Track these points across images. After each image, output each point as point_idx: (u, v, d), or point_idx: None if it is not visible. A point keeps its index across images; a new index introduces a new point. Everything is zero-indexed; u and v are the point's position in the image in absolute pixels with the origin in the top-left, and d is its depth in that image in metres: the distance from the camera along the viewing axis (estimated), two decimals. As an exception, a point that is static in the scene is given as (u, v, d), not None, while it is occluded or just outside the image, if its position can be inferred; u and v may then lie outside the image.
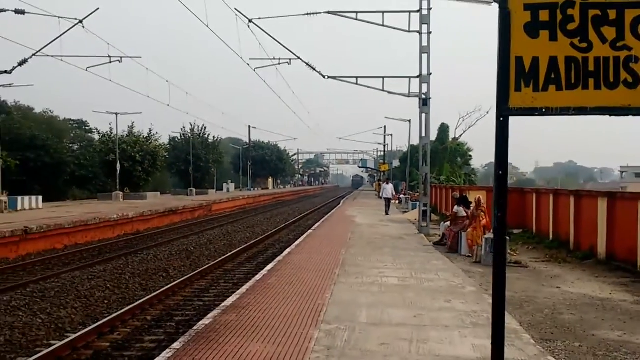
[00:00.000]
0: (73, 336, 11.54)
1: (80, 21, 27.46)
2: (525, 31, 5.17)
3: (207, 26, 26.80)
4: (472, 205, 21.03)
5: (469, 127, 72.59)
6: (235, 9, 26.35)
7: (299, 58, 29.15)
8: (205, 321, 9.63)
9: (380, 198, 50.51)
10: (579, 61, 5.13)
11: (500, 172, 5.42)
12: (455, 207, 22.88)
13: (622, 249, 18.34)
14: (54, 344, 11.27)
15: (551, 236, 24.74)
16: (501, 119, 5.28)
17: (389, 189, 42.86)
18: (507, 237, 19.70)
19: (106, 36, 32.61)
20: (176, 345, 8.25)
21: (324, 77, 28.92)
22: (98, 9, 29.11)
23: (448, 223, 22.72)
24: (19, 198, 41.33)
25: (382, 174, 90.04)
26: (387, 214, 38.97)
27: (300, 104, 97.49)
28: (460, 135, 74.88)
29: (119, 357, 10.76)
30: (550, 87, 5.16)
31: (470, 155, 77.64)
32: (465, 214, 21.35)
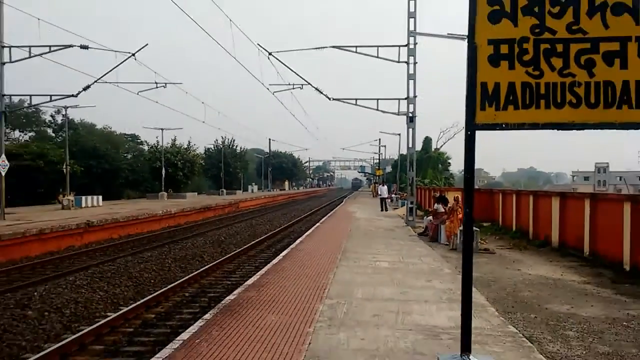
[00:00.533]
0: (125, 309, 11.56)
1: (133, 54, 27.56)
2: (489, 61, 5.19)
3: (235, 58, 27.00)
4: (452, 203, 21.18)
5: (448, 140, 73.43)
6: (258, 44, 26.50)
7: (309, 83, 29.24)
8: (231, 297, 9.66)
9: (376, 197, 50.63)
10: (533, 86, 5.15)
11: (468, 176, 5.44)
12: (435, 204, 23.12)
13: (571, 239, 18.33)
14: (110, 315, 11.30)
15: (514, 228, 24.75)
16: (469, 133, 5.30)
17: (384, 190, 42.47)
18: (477, 229, 19.85)
19: (153, 66, 32.76)
20: (207, 316, 8.28)
21: (329, 98, 28.95)
22: (147, 44, 29.24)
23: (430, 217, 22.77)
24: (83, 197, 41.48)
25: (378, 177, 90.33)
26: (382, 210, 38.86)
27: (311, 121, 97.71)
28: (441, 146, 75.49)
29: (162, 326, 10.77)
30: (509, 106, 5.18)
31: (449, 163, 77.80)
32: (443, 210, 21.52)
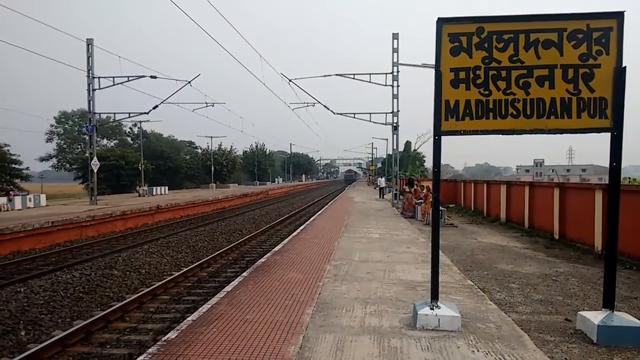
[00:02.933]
0: (185, 269, 11.65)
1: (189, 82, 27.58)
2: (450, 84, 5.18)
3: (264, 84, 26.94)
4: (426, 190, 21.34)
5: (424, 143, 72.99)
6: (281, 73, 26.46)
7: (319, 102, 29.23)
8: (263, 259, 9.70)
9: (375, 188, 50.51)
10: (483, 102, 5.14)
11: (436, 170, 5.43)
12: (405, 186, 25.59)
13: (515, 216, 18.24)
14: (174, 274, 11.39)
15: (472, 208, 24.65)
16: (436, 137, 5.30)
17: (382, 181, 40.69)
18: (444, 209, 19.88)
19: (204, 90, 32.88)
20: (245, 273, 8.33)
21: (334, 113, 28.93)
22: (199, 74, 29.24)
23: (402, 195, 23.25)
24: (154, 188, 41.75)
25: (372, 171, 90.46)
26: (380, 197, 38.25)
27: (321, 129, 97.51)
28: (418, 147, 75.02)
29: (212, 281, 10.85)
30: (466, 117, 5.18)
31: (425, 160, 77.18)
32: (408, 190, 23.11)
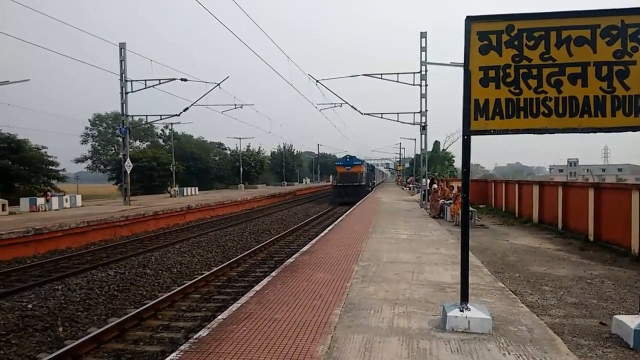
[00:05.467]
0: (215, 268, 11.83)
1: (218, 84, 27.99)
2: (480, 83, 5.12)
3: (291, 85, 26.99)
4: (454, 190, 21.09)
5: (453, 142, 72.13)
6: (309, 74, 26.43)
7: (346, 102, 29.11)
8: (291, 259, 9.76)
9: (399, 187, 50.30)
10: (514, 101, 5.06)
11: (465, 170, 5.37)
12: (430, 186, 26.04)
13: (548, 217, 17.83)
14: (204, 273, 11.59)
15: (504, 208, 24.21)
16: (465, 137, 5.25)
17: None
18: (474, 209, 19.57)
19: (233, 92, 33.34)
20: (273, 273, 8.40)
21: (361, 113, 28.77)
22: (228, 76, 29.66)
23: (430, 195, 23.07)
24: (185, 188, 42.45)
25: (399, 171, 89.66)
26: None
27: (348, 130, 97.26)
28: (447, 147, 74.19)
29: (241, 280, 10.98)
30: (496, 117, 5.11)
31: (454, 160, 76.18)
32: (434, 191, 23.06)
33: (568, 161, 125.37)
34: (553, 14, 5.07)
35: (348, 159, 40.73)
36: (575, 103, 4.97)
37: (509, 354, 4.63)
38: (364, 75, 27.01)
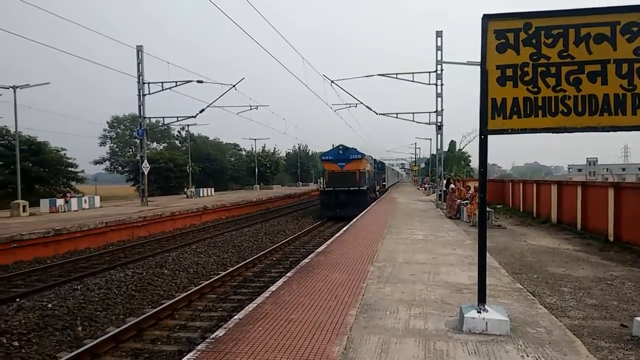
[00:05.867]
0: (231, 269, 11.90)
1: (234, 85, 28.15)
2: (497, 82, 5.06)
3: (307, 85, 27.03)
4: (471, 190, 20.91)
5: (469, 142, 71.55)
6: (323, 74, 26.42)
7: (361, 102, 29.08)
8: (306, 260, 9.74)
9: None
10: (532, 100, 4.99)
11: (482, 169, 5.32)
12: (446, 187, 26.46)
13: (567, 217, 17.60)
14: (221, 273, 11.66)
15: (521, 209, 23.97)
16: (482, 136, 5.19)
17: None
18: (492, 210, 19.38)
19: (248, 93, 33.47)
20: (289, 274, 8.40)
21: (376, 113, 28.75)
22: (243, 78, 29.84)
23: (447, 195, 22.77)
24: (201, 189, 42.80)
25: (414, 172, 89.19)
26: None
27: (363, 130, 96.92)
28: (464, 147, 73.62)
29: (257, 281, 11.03)
30: (513, 116, 5.04)
31: (470, 159, 75.60)
32: (451, 191, 22.67)
33: (587, 160, 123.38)
34: (572, 11, 4.99)
35: (341, 151, 27.49)
36: (594, 101, 4.88)
37: (528, 356, 4.57)
38: (379, 75, 27.00)
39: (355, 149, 27.52)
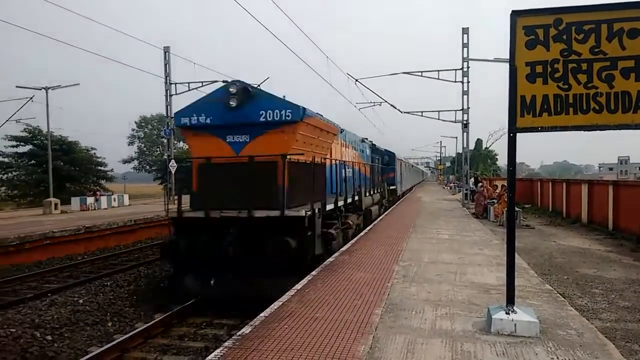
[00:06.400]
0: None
1: (258, 85, 28.32)
2: (526, 79, 4.98)
3: (331, 85, 26.93)
4: (499, 189, 20.66)
5: (496, 140, 70.56)
6: (347, 73, 26.34)
7: (385, 101, 28.90)
8: (331, 259, 9.70)
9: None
10: (563, 97, 4.89)
11: (511, 168, 5.24)
12: (474, 186, 26.63)
13: (598, 217, 17.18)
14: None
15: (550, 208, 23.50)
16: (511, 135, 5.12)
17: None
18: (520, 209, 19.05)
19: (272, 92, 33.67)
20: (314, 272, 8.36)
21: (401, 112, 28.56)
22: (268, 77, 30.02)
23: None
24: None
25: (440, 170, 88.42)
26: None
27: (388, 128, 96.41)
28: (490, 145, 72.61)
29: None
30: (543, 114, 4.95)
31: (497, 158, 74.48)
32: (479, 190, 22.55)
33: (619, 159, 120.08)
34: (604, 6, 4.86)
35: (235, 101, 8.94)
36: (628, 98, 4.75)
37: (558, 358, 4.48)
38: (404, 73, 26.77)
39: (286, 102, 9.12)
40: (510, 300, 5.32)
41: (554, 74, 4.90)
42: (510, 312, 5.21)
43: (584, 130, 4.95)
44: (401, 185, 31.66)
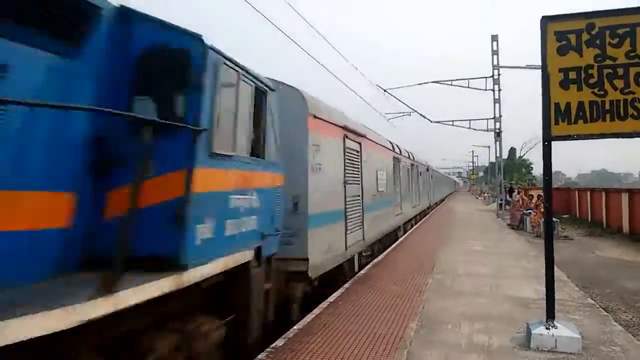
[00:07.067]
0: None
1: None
2: (560, 85, 4.91)
3: (360, 96, 26.94)
4: (535, 199, 20.17)
5: (530, 149, 68.97)
6: (377, 84, 26.29)
7: (415, 111, 28.71)
8: (363, 271, 9.63)
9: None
10: (599, 103, 4.80)
11: (547, 178, 5.15)
12: (509, 196, 25.84)
13: (641, 227, 16.54)
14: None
15: (589, 219, 22.78)
16: (546, 143, 5.05)
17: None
18: (557, 220, 18.50)
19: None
20: (346, 285, 8.30)
21: (431, 121, 28.37)
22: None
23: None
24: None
25: (472, 180, 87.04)
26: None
27: (418, 137, 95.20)
28: (524, 154, 71.03)
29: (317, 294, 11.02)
30: (579, 121, 4.87)
31: (532, 167, 72.67)
32: (515, 200, 22.50)
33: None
34: (638, 8, 4.75)
35: None
36: (668, 103, 4.62)
37: (602, 375, 4.32)
38: (433, 82, 26.60)
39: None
40: (551, 315, 5.17)
41: (589, 79, 4.80)
42: (550, 327, 5.07)
43: (622, 137, 4.82)
44: (430, 195, 25.88)
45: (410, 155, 19.03)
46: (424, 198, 24.89)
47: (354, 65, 19.81)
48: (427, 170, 27.36)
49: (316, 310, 6.61)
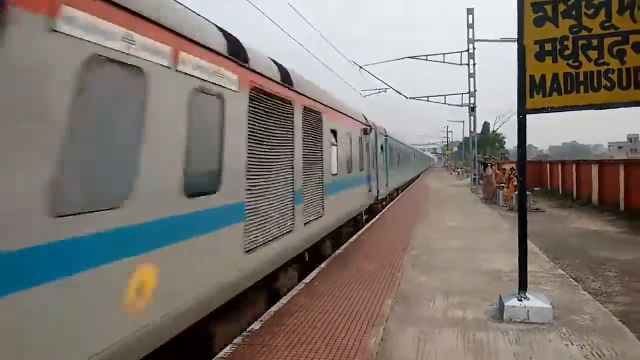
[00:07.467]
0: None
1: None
2: (535, 58, 4.87)
3: (335, 73, 26.74)
4: (508, 172, 20.55)
5: (503, 123, 69.97)
6: (352, 60, 25.95)
7: (390, 87, 28.62)
8: (339, 250, 9.61)
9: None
10: (573, 75, 4.78)
11: (521, 151, 5.15)
12: (482, 170, 24.77)
13: (609, 198, 17.02)
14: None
15: (560, 191, 23.38)
16: (520, 116, 5.02)
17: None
18: (529, 192, 18.88)
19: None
20: (322, 265, 8.27)
21: (406, 97, 28.36)
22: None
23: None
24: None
25: (447, 155, 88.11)
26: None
27: (393, 115, 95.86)
28: (497, 128, 72.07)
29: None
30: (553, 93, 4.86)
31: (505, 141, 73.85)
32: (487, 174, 22.14)
33: (628, 137, 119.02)
34: (614, -22, 4.72)
35: None
36: (641, 74, 4.63)
37: (572, 344, 4.42)
38: (409, 57, 26.51)
39: None
40: (523, 287, 5.26)
41: (564, 51, 4.78)
42: (522, 298, 5.15)
43: (596, 109, 4.85)
44: (388, 172, 18.64)
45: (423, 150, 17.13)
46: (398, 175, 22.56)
47: (323, 35, 19.32)
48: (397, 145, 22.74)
49: (292, 292, 6.56)
